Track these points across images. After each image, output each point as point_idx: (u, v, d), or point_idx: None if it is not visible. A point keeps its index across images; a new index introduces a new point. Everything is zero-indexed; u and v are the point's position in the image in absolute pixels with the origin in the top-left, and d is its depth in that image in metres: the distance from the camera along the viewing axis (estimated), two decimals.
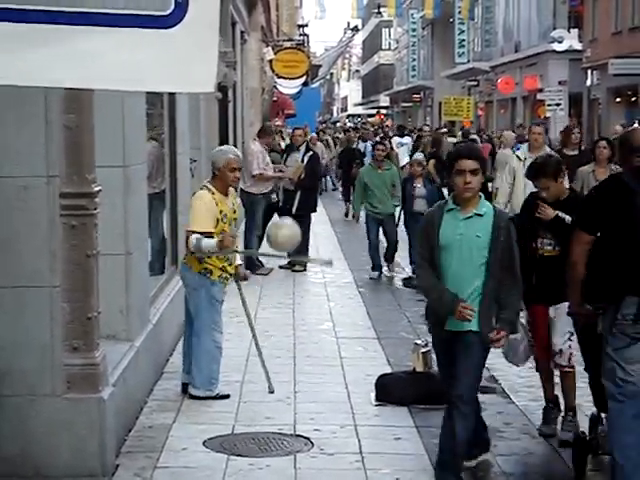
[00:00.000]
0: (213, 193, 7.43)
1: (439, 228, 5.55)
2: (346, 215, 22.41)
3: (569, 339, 6.62)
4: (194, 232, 7.27)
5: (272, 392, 7.43)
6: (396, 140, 28.22)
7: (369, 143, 26.47)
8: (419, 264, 5.83)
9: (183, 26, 2.67)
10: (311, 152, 14.67)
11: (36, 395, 5.68)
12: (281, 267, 13.96)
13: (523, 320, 6.71)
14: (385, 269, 13.93)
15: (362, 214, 14.33)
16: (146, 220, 7.83)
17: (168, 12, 2.69)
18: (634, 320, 5.15)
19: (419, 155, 16.64)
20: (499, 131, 30.16)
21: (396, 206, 13.76)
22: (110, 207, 6.53)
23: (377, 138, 29.46)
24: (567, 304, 6.01)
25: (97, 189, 5.80)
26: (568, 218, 6.50)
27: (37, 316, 5.62)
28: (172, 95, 9.68)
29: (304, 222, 14.25)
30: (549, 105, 33.11)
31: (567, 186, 7.37)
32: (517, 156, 11.41)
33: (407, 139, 29.05)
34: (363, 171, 14.25)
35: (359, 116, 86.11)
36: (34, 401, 5.68)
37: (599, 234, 5.36)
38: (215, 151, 7.88)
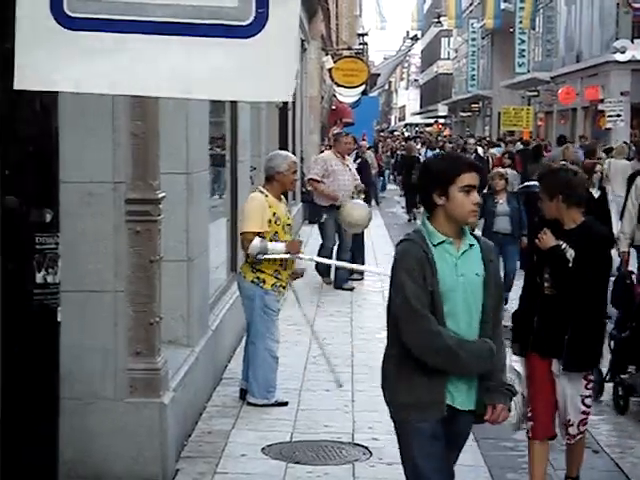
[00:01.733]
0: (266, 196, 7.49)
1: (436, 268, 4.07)
2: (409, 220, 23.30)
3: (584, 404, 5.57)
4: (250, 233, 7.34)
5: (341, 386, 7.63)
6: (492, 151, 27.19)
7: (438, 151, 25.77)
8: (423, 315, 4.03)
9: (263, 36, 2.68)
10: (360, 159, 14.68)
11: (98, 399, 5.73)
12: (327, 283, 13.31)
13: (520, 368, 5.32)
14: None
15: None
16: (207, 226, 7.89)
17: (248, 22, 2.69)
18: None
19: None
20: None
21: None
22: (172, 213, 6.58)
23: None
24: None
25: (161, 195, 5.85)
26: (570, 253, 5.44)
27: (101, 320, 5.68)
28: (234, 102, 9.75)
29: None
30: (609, 116, 32.78)
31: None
32: None
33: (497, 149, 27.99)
34: None
35: (417, 125, 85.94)
36: (96, 404, 5.73)
37: None
38: (273, 155, 7.89)
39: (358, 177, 13.06)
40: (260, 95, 2.99)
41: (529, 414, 5.48)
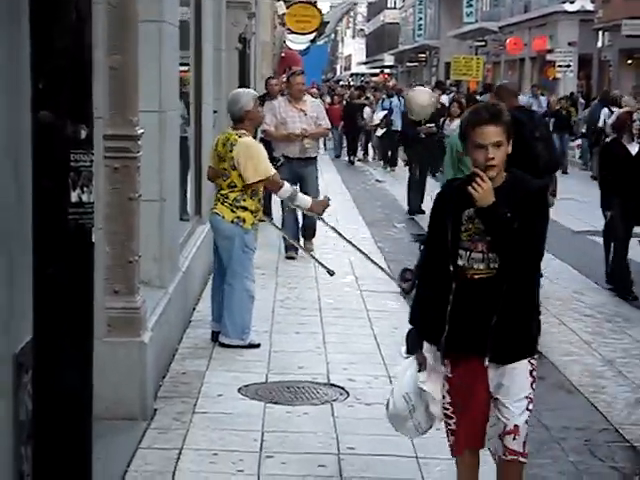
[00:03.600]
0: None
1: None
2: (351, 163, 25.62)
3: (527, 409, 4.21)
4: (276, 175, 7.35)
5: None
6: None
7: (396, 98, 23.76)
8: None
9: None
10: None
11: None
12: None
13: (424, 385, 4.36)
14: None
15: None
16: (178, 167, 7.77)
17: None
18: None
19: None
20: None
21: None
22: (146, 152, 6.44)
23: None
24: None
25: (140, 132, 5.73)
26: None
27: None
28: (198, 42, 9.60)
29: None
30: (560, 66, 32.99)
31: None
32: None
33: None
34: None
35: (362, 75, 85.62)
36: None
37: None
38: (237, 95, 7.56)
39: (325, 122, 11.80)
40: None
41: (451, 426, 4.31)
